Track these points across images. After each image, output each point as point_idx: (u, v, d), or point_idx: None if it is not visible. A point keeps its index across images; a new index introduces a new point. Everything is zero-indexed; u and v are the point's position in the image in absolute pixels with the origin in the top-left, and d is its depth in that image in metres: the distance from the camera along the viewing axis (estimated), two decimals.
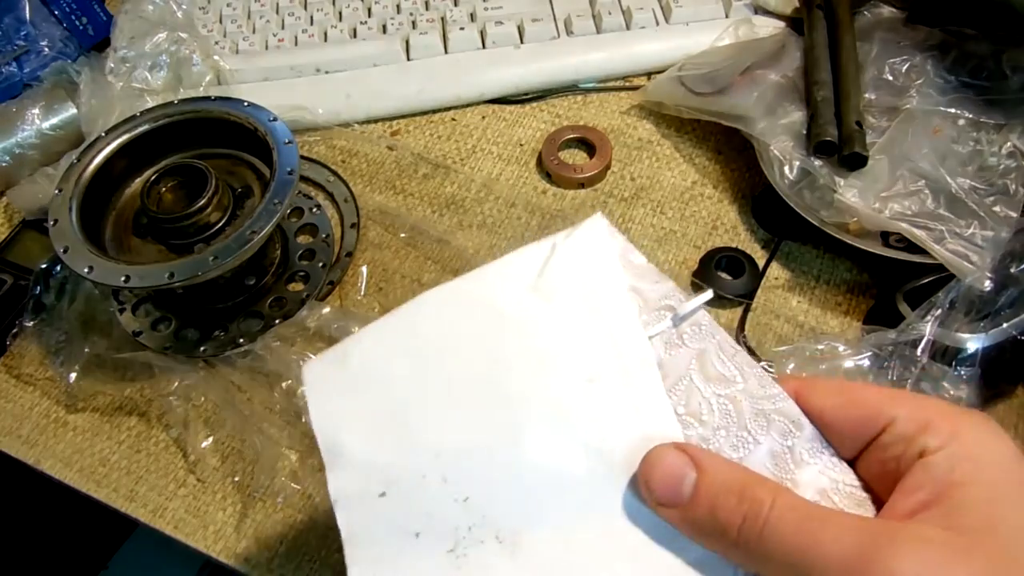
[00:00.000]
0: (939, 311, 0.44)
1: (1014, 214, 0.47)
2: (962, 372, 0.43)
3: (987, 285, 0.44)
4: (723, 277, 0.53)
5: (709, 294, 0.32)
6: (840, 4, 0.58)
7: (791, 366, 0.44)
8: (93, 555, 1.05)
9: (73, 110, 0.61)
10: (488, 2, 0.68)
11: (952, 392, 0.43)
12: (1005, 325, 0.44)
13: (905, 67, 0.55)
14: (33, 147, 0.60)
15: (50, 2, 0.67)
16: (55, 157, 0.61)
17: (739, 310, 0.52)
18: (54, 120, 0.61)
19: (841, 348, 0.44)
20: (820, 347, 0.44)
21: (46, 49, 0.67)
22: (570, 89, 0.66)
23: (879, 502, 0.29)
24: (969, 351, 0.44)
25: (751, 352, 0.49)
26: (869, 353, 0.44)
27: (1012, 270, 0.45)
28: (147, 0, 0.64)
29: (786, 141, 0.53)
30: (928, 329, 0.43)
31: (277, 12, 0.69)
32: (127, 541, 1.04)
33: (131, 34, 0.63)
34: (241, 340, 0.51)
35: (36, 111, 0.61)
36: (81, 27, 0.69)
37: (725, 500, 0.28)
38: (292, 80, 0.65)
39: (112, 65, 0.61)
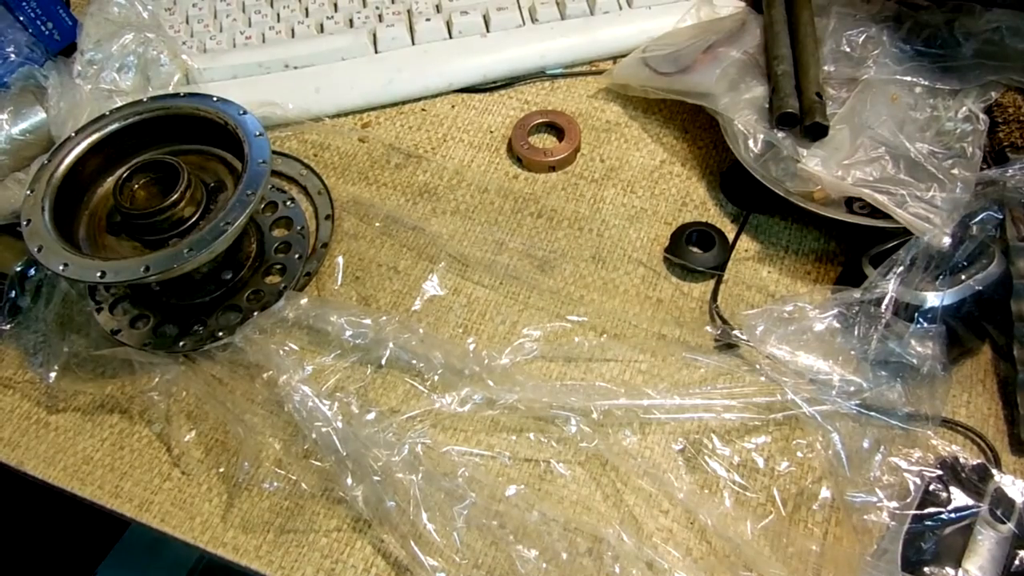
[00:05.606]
0: (900, 268, 0.45)
1: (971, 175, 0.49)
2: (926, 326, 0.44)
3: (945, 242, 0.45)
4: (694, 251, 0.54)
5: None
6: None
7: (760, 328, 0.45)
8: (81, 561, 1.04)
9: (42, 114, 0.61)
10: None
11: (919, 349, 0.44)
12: (964, 278, 0.45)
13: (862, 39, 0.56)
14: (3, 152, 0.60)
15: (14, 8, 0.67)
16: (26, 162, 0.61)
17: (711, 282, 0.53)
18: (23, 125, 0.61)
19: (809, 309, 0.45)
20: (788, 308, 0.45)
21: (12, 55, 0.66)
22: (537, 75, 0.67)
23: None
24: (929, 305, 0.45)
25: (724, 321, 0.50)
26: (836, 311, 0.45)
27: (970, 227, 0.46)
28: (112, 2, 0.64)
29: (749, 115, 0.54)
30: (891, 286, 0.45)
31: (243, 11, 0.69)
32: (115, 546, 1.04)
33: (97, 36, 0.63)
34: (220, 333, 0.52)
35: (4, 116, 0.60)
36: (47, 32, 0.68)
37: None
38: (261, 77, 0.66)
39: (80, 68, 0.61)
